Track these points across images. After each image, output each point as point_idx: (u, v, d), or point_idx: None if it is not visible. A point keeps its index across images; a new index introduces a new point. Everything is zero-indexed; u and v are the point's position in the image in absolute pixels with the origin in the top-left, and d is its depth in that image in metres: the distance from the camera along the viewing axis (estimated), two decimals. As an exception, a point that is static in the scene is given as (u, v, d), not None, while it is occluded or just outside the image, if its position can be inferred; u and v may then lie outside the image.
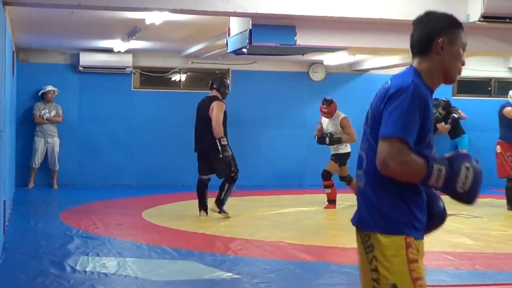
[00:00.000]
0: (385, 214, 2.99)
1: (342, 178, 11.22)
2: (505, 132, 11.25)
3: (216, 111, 9.43)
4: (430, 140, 3.05)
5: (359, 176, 3.14)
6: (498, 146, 11.30)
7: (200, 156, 9.75)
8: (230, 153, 9.47)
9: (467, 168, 3.00)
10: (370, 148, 3.04)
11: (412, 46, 3.16)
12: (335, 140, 10.82)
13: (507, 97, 11.63)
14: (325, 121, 11.07)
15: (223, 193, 9.54)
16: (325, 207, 11.08)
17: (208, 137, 9.47)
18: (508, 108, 11.16)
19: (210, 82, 9.94)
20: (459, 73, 3.15)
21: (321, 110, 11.01)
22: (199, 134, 9.71)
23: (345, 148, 10.97)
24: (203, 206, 9.69)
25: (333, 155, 11.03)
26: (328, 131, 10.90)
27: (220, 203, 9.56)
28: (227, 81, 10.02)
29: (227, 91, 9.86)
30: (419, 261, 3.00)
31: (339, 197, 12.70)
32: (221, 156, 9.38)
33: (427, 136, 3.02)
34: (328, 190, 11.06)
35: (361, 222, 3.08)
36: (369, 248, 3.02)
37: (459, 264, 6.97)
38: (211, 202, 9.67)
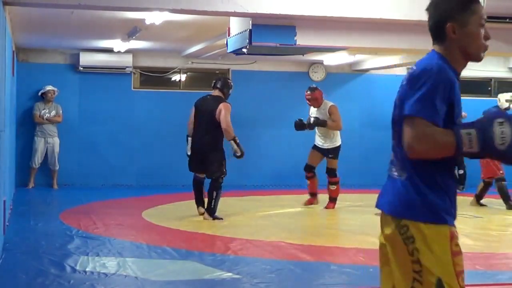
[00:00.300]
0: (428, 203, 2.89)
1: (310, 168, 11.08)
2: None
3: (225, 112, 9.32)
4: (460, 123, 2.97)
5: (394, 168, 3.02)
6: None
7: (195, 155, 9.60)
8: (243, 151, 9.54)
9: (500, 123, 2.87)
10: (402, 138, 2.95)
11: (429, 31, 3.12)
12: (320, 123, 10.64)
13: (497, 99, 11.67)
14: (313, 111, 10.95)
15: (213, 201, 9.44)
16: (326, 207, 10.99)
17: (208, 137, 9.41)
18: None
19: (214, 81, 9.83)
20: (484, 49, 3.07)
21: (306, 98, 10.90)
22: (199, 133, 9.54)
23: (338, 141, 10.88)
24: (201, 203, 9.67)
25: (329, 151, 10.89)
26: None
27: (212, 211, 9.47)
28: (231, 82, 9.91)
29: (230, 92, 9.77)
30: (460, 255, 2.92)
31: (338, 197, 12.72)
32: (238, 154, 9.43)
33: (457, 119, 2.97)
34: (334, 187, 10.95)
35: (398, 211, 2.94)
36: (410, 239, 2.90)
37: (459, 264, 6.96)
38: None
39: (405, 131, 2.88)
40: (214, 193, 9.41)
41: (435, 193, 2.91)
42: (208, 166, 9.47)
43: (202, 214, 9.57)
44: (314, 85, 11.07)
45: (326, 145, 10.89)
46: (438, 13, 3.07)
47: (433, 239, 2.87)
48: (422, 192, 2.91)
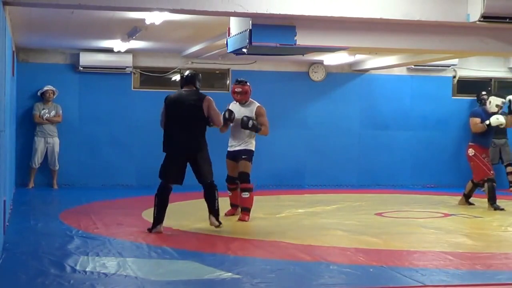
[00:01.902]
0: None
1: (233, 180, 9.85)
2: (477, 137, 11.28)
3: (214, 108, 8.71)
4: None
5: None
6: (470, 149, 11.28)
7: (176, 160, 8.60)
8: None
9: None
10: None
11: None
12: (256, 126, 9.64)
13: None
14: (235, 107, 9.80)
15: (217, 202, 8.74)
16: (240, 219, 9.56)
17: (196, 137, 8.61)
18: (474, 120, 11.23)
19: (184, 76, 8.90)
20: None
21: (234, 92, 9.81)
22: (181, 132, 8.59)
23: (253, 145, 9.76)
24: (162, 218, 8.60)
25: (241, 152, 9.67)
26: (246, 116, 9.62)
27: (218, 214, 8.78)
28: (199, 74, 9.06)
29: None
30: None
31: (337, 197, 12.72)
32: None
33: None
34: (247, 195, 9.60)
35: None
36: None
37: (459, 264, 6.97)
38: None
39: None
40: (216, 193, 8.74)
41: None
42: (201, 169, 8.66)
43: (161, 232, 8.51)
44: (242, 78, 10.02)
45: (240, 147, 9.71)
46: None
47: None
48: None
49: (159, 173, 8.66)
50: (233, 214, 9.92)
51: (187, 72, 9.05)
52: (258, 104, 9.88)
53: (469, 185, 11.48)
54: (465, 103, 14.67)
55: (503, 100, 11.41)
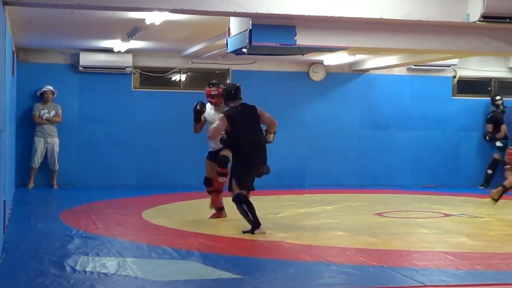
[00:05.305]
0: None
1: (210, 181, 9.60)
2: None
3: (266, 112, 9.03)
4: None
5: None
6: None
7: (256, 165, 8.84)
8: None
9: None
10: None
11: None
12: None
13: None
14: (210, 113, 9.56)
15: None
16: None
17: (265, 147, 9.01)
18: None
19: (232, 92, 8.80)
20: None
21: (209, 95, 9.49)
22: (254, 138, 8.80)
23: None
24: (259, 220, 8.56)
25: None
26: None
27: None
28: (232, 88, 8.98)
29: None
30: None
31: (337, 197, 12.72)
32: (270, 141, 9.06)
33: None
34: (223, 179, 9.40)
35: None
36: None
37: (459, 264, 6.97)
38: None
39: None
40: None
41: None
42: (265, 173, 9.00)
43: (265, 233, 8.46)
44: (214, 80, 9.76)
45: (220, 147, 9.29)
46: None
47: None
48: None
49: (241, 186, 8.57)
50: (219, 217, 9.64)
51: (229, 86, 8.98)
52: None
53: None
54: (465, 103, 14.66)
55: None
